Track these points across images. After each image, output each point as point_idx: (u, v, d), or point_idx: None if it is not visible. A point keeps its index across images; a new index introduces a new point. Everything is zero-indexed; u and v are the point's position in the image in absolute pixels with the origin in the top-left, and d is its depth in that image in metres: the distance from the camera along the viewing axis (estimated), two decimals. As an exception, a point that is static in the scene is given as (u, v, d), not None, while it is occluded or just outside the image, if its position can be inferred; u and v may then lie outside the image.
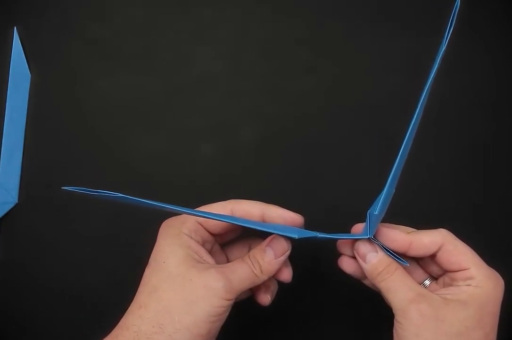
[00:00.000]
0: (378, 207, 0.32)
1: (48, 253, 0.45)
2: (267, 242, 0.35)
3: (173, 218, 0.36)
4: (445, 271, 0.35)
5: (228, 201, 0.36)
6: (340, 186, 0.45)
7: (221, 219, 0.32)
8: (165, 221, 0.36)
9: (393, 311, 0.33)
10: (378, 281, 0.34)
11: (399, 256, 0.33)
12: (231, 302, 0.33)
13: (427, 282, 0.36)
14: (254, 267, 0.34)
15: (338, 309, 0.44)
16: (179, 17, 0.48)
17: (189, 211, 0.31)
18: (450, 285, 0.34)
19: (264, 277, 0.34)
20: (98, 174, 0.46)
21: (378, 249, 0.34)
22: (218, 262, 0.36)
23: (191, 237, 0.35)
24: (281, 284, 0.38)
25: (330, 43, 0.47)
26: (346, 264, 0.36)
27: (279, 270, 0.36)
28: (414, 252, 0.34)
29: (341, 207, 0.44)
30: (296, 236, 0.32)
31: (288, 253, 0.35)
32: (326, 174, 0.45)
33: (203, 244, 0.35)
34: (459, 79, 0.46)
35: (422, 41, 0.46)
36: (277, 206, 0.36)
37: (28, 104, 0.47)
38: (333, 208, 0.44)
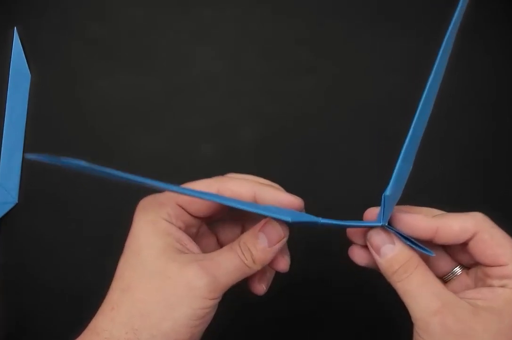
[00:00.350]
0: (390, 186, 0.28)
1: (48, 253, 0.45)
2: (260, 226, 0.30)
3: (150, 198, 0.31)
4: (478, 263, 0.29)
5: (214, 178, 0.32)
6: (340, 186, 0.45)
7: (206, 198, 0.29)
8: (140, 202, 0.31)
9: (412, 320, 0.28)
10: (394, 280, 0.28)
11: (423, 245, 0.28)
12: (217, 300, 0.29)
13: (457, 270, 0.31)
14: (245, 256, 0.29)
15: (341, 308, 0.44)
16: (179, 17, 0.48)
17: (170, 188, 0.28)
18: (483, 281, 0.29)
19: (257, 267, 0.30)
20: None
21: (396, 239, 0.28)
22: (206, 245, 0.33)
23: (172, 223, 0.30)
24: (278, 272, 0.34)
25: (330, 43, 0.47)
26: (359, 255, 0.31)
27: (274, 259, 0.31)
28: (441, 240, 0.29)
29: (341, 207, 0.44)
30: (289, 219, 0.28)
31: (284, 240, 0.30)
32: (326, 174, 0.45)
33: (186, 229, 0.31)
34: (459, 79, 0.46)
35: (422, 41, 0.46)
36: (272, 186, 0.31)
37: (28, 104, 0.47)
38: (333, 208, 0.44)
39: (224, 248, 0.30)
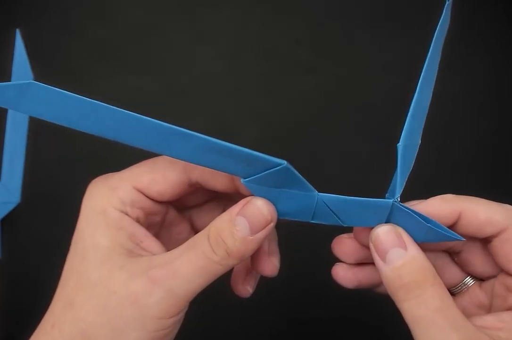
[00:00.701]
0: (402, 137, 0.23)
1: (49, 252, 0.45)
2: (239, 208, 0.23)
3: (100, 180, 0.26)
4: (499, 270, 0.24)
5: None
6: (340, 185, 0.45)
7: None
8: (89, 185, 0.26)
9: None
10: (400, 298, 0.22)
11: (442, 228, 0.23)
12: (180, 316, 0.23)
13: (468, 281, 0.25)
14: (214, 252, 0.22)
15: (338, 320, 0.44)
16: (179, 17, 0.48)
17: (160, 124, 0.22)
18: (503, 300, 0.24)
19: (232, 263, 0.23)
20: (99, 174, 0.46)
21: (409, 244, 0.22)
22: (178, 233, 0.27)
23: (126, 213, 0.24)
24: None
25: (330, 43, 0.47)
26: (345, 277, 0.25)
27: (259, 258, 0.25)
28: (460, 229, 0.23)
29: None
30: (284, 162, 0.22)
31: (271, 225, 0.23)
32: (326, 174, 0.45)
33: (146, 219, 0.25)
34: (459, 80, 0.46)
35: (422, 41, 0.46)
36: None
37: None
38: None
39: (185, 244, 0.23)
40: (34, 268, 0.45)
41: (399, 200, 0.23)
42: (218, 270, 0.23)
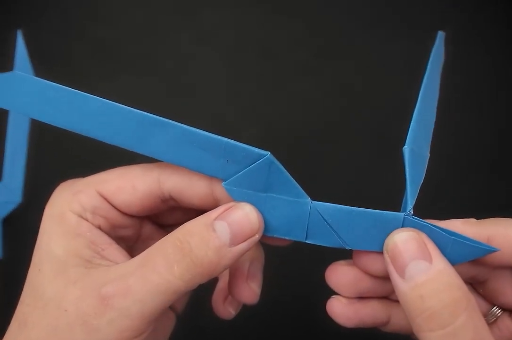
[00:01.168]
0: (408, 139, 0.21)
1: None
2: (219, 212, 0.19)
3: (66, 184, 0.24)
4: None
5: (157, 164, 0.22)
6: (340, 186, 0.45)
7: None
8: (57, 187, 0.24)
9: None
10: (421, 327, 0.17)
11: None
12: (143, 336, 0.20)
13: (496, 311, 0.21)
14: (176, 262, 0.18)
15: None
16: (179, 17, 0.48)
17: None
18: None
19: (198, 279, 0.19)
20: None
21: (435, 254, 0.18)
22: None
23: (85, 218, 0.22)
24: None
25: (330, 43, 0.47)
26: (343, 313, 0.21)
27: (235, 281, 0.22)
28: (491, 256, 0.19)
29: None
30: (267, 153, 0.20)
31: (256, 238, 0.20)
32: (326, 175, 0.45)
33: (110, 229, 0.22)
34: (460, 80, 0.46)
35: (422, 41, 0.46)
36: None
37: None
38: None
39: (143, 253, 0.20)
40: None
41: (411, 213, 0.20)
42: (180, 287, 0.19)
